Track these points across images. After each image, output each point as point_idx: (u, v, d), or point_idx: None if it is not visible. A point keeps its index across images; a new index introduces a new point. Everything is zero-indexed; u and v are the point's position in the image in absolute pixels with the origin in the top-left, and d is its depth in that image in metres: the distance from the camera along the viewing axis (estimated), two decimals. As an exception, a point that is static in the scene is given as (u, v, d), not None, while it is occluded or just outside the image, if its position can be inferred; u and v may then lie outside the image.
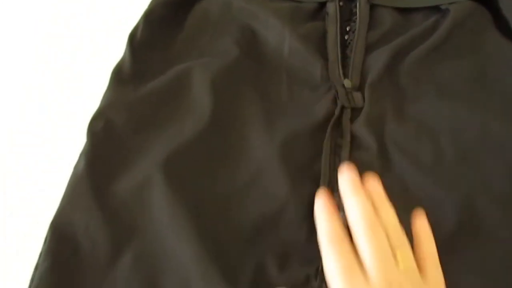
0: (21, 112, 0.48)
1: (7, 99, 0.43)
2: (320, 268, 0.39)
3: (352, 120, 0.47)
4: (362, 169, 0.44)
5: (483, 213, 0.42)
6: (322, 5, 0.53)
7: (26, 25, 0.48)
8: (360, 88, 0.48)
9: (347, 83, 0.48)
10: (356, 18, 0.52)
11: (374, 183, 0.38)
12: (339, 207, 0.37)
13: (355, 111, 0.47)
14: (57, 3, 0.57)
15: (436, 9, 0.53)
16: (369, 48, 0.51)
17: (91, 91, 0.48)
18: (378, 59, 0.49)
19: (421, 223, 0.37)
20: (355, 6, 0.52)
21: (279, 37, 0.50)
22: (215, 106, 0.46)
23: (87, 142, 0.45)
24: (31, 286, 0.39)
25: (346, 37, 0.52)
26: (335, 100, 0.47)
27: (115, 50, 0.49)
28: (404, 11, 0.53)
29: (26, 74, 0.47)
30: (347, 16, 0.52)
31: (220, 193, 0.43)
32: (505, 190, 0.43)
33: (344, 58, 0.50)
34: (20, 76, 0.47)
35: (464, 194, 0.42)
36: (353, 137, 0.46)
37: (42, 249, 0.41)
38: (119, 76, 0.48)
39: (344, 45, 0.51)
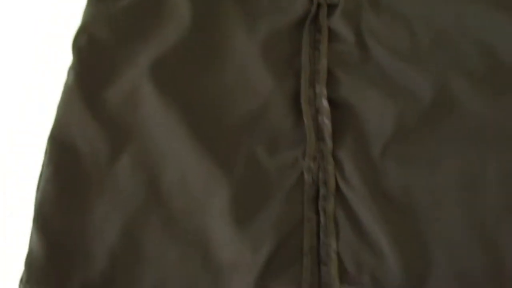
0: (21, 112, 0.47)
1: (7, 99, 0.43)
2: (307, 150, 0.42)
3: (329, 16, 0.48)
4: (341, 60, 0.46)
5: (457, 89, 0.44)
6: None
7: (26, 25, 0.47)
8: None
9: None
10: None
11: None
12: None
13: (332, 8, 0.49)
14: (57, 3, 0.57)
15: None
16: None
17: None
18: None
19: None
20: None
21: None
22: (195, 11, 0.47)
23: (73, 58, 0.46)
24: (38, 190, 0.42)
25: None
26: None
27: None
28: None
29: (26, 74, 0.46)
30: None
31: (207, 92, 0.45)
32: (478, 67, 0.45)
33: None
34: (20, 76, 0.46)
35: (439, 73, 0.45)
36: (330, 31, 0.47)
37: (44, 160, 0.43)
38: None
39: None
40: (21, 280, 0.38)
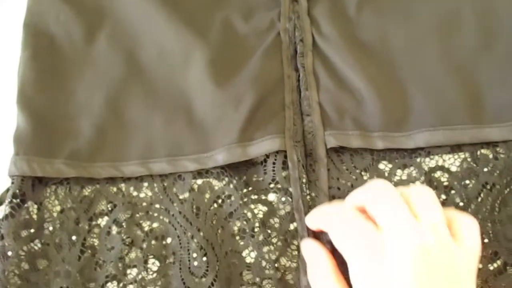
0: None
1: (7, 99, 0.43)
2: (281, 10, 0.42)
3: None
4: None
5: None
6: None
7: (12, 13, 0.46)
8: None
9: None
10: None
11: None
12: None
13: None
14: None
15: None
16: None
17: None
18: None
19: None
20: None
21: None
22: None
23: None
24: (18, 75, 0.42)
25: None
26: None
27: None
28: None
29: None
30: None
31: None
32: None
33: None
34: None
35: None
36: None
37: (21, 47, 0.43)
38: None
39: None
40: (12, 155, 0.38)
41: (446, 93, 0.39)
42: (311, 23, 0.42)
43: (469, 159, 0.37)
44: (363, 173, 0.37)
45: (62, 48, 0.43)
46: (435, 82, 0.39)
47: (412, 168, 0.37)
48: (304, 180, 0.37)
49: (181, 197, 0.37)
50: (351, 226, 0.30)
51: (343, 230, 0.31)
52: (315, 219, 0.34)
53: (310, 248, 0.34)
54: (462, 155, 0.37)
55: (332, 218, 0.32)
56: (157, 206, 0.37)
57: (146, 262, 0.35)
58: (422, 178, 0.36)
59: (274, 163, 0.37)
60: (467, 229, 0.30)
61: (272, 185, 0.37)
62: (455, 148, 0.37)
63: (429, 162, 0.37)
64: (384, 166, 0.38)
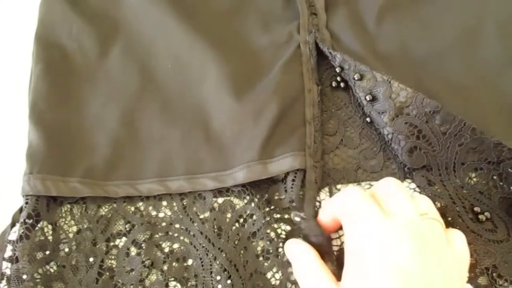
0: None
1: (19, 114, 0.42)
2: (301, 23, 0.41)
3: None
4: None
5: None
6: None
7: (25, 25, 0.45)
8: None
9: None
10: None
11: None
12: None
13: None
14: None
15: None
16: None
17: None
18: None
19: None
20: None
21: None
22: None
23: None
24: (30, 90, 0.40)
25: None
26: None
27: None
28: None
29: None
30: None
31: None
32: None
33: None
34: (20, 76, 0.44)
35: None
36: None
37: (32, 60, 0.42)
38: None
39: None
40: (25, 172, 0.37)
41: (473, 105, 0.38)
42: (331, 36, 0.41)
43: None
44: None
45: (75, 61, 0.42)
46: (460, 94, 0.39)
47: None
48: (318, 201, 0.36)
49: (201, 216, 0.36)
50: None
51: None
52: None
53: (294, 246, 0.33)
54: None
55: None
56: (177, 226, 0.36)
57: (167, 285, 0.34)
58: None
59: (293, 181, 0.36)
60: (456, 234, 0.30)
61: (294, 204, 0.36)
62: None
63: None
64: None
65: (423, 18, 0.41)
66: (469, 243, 0.32)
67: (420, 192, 0.35)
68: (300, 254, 0.32)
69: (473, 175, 0.36)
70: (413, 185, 0.36)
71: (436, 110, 0.34)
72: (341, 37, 0.41)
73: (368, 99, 0.36)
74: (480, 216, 0.34)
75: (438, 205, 0.34)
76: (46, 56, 0.41)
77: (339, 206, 0.31)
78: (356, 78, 0.37)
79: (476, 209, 0.34)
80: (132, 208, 0.37)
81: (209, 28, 0.42)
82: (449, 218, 0.33)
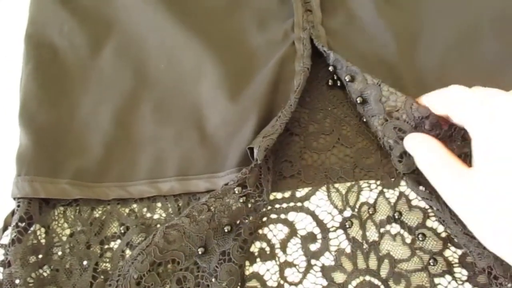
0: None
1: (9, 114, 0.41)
2: (295, 20, 0.41)
3: None
4: None
5: None
6: None
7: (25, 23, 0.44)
8: None
9: None
10: None
11: None
12: None
13: None
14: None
15: None
16: None
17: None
18: None
19: None
20: None
21: None
22: None
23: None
24: (20, 89, 0.40)
25: None
26: None
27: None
28: None
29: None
30: None
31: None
32: None
33: None
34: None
35: None
36: None
37: (23, 60, 0.41)
38: None
39: None
40: (15, 175, 0.36)
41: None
42: (326, 33, 0.40)
43: None
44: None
45: (67, 60, 0.41)
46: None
47: None
48: None
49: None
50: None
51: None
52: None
53: (414, 137, 0.32)
54: None
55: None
56: (172, 228, 0.35)
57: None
58: None
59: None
60: None
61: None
62: None
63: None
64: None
65: (420, 20, 0.41)
66: (464, 245, 0.31)
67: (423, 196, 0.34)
68: (422, 143, 0.31)
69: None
70: (411, 184, 0.35)
71: (425, 116, 0.33)
72: (337, 34, 0.40)
73: (359, 101, 0.36)
74: None
75: (430, 209, 0.34)
76: (37, 56, 0.41)
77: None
78: (347, 80, 0.36)
79: None
80: (126, 210, 0.36)
81: (203, 26, 0.41)
82: (443, 220, 0.33)
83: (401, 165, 0.34)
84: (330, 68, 0.38)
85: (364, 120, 0.37)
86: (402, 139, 0.33)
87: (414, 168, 0.33)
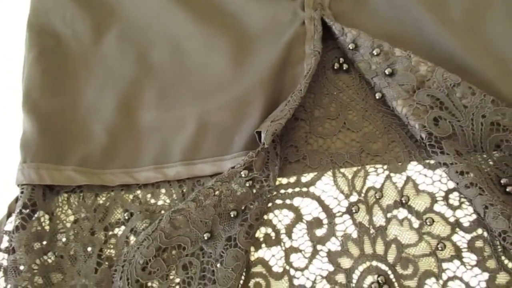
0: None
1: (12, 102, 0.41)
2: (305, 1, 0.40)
3: None
4: None
5: None
6: None
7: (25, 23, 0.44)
8: None
9: None
10: None
11: None
12: None
13: None
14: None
15: None
16: None
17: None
18: None
19: None
20: None
21: None
22: None
23: None
24: (23, 77, 0.39)
25: None
26: None
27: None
28: None
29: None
30: None
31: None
32: None
33: None
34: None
35: None
36: None
37: (25, 47, 0.41)
38: None
39: None
40: (19, 162, 0.36)
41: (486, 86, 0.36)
42: (335, 16, 0.40)
43: None
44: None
45: (70, 48, 0.40)
46: (473, 75, 0.37)
47: None
48: None
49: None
50: None
51: None
52: None
53: None
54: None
55: None
56: (177, 214, 0.35)
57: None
58: None
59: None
60: None
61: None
62: None
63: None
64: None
65: (434, 1, 0.40)
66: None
67: (448, 165, 0.34)
68: None
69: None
70: (419, 168, 0.35)
71: (456, 83, 0.34)
72: (344, 16, 0.40)
73: (387, 73, 0.36)
74: (508, 188, 0.33)
75: (467, 175, 0.33)
76: (39, 43, 0.40)
77: None
78: (375, 53, 0.36)
79: (503, 181, 0.33)
80: (130, 196, 0.36)
81: (208, 10, 0.41)
82: (479, 186, 0.32)
83: (437, 128, 0.34)
84: (351, 46, 0.38)
85: (377, 97, 0.37)
86: (436, 105, 0.34)
87: (450, 132, 0.34)
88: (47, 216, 0.35)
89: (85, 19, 0.41)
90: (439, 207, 0.34)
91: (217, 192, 0.33)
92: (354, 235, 0.34)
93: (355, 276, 0.33)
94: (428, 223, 0.33)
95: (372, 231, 0.34)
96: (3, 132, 0.42)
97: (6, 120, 0.43)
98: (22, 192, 0.35)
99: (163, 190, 0.36)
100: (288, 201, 0.35)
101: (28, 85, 0.39)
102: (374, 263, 0.33)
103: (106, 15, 0.41)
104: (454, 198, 0.34)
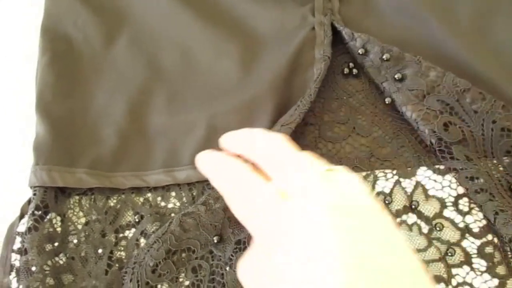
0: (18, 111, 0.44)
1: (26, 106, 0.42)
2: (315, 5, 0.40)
3: None
4: None
5: None
6: None
7: (25, 23, 0.45)
8: None
9: None
10: None
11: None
12: None
13: None
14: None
15: None
16: None
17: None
18: None
19: None
20: None
21: None
22: None
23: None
24: (36, 80, 0.40)
25: None
26: None
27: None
28: None
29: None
30: None
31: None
32: None
33: None
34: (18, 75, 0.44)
35: None
36: None
37: (39, 51, 0.41)
38: None
39: None
40: (32, 164, 0.37)
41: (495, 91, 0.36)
42: (345, 22, 0.40)
43: None
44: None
45: (81, 52, 0.41)
46: (482, 81, 0.37)
47: None
48: None
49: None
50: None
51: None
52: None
53: (211, 158, 0.28)
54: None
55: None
56: (187, 217, 0.35)
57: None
58: None
59: None
60: None
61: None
62: None
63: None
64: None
65: (441, 6, 0.40)
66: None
67: (457, 171, 0.34)
68: (219, 160, 0.27)
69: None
70: (428, 173, 0.35)
71: (466, 89, 0.34)
72: (353, 22, 0.40)
73: (397, 78, 0.36)
74: None
75: (477, 181, 0.33)
76: (52, 48, 0.41)
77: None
78: (385, 59, 0.37)
79: None
80: (141, 199, 0.36)
81: (218, 15, 0.41)
82: (490, 192, 0.32)
83: (447, 133, 0.34)
84: (360, 51, 0.38)
85: (387, 102, 0.37)
86: (446, 111, 0.35)
87: (460, 137, 0.34)
88: (59, 218, 0.36)
89: (96, 24, 0.42)
90: (449, 212, 0.34)
91: None
92: (363, 239, 0.34)
93: (364, 281, 0.33)
94: (438, 229, 0.33)
95: (381, 236, 0.34)
96: (3, 132, 0.43)
97: (6, 120, 0.43)
98: (34, 194, 0.35)
99: (173, 193, 0.36)
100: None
101: (41, 89, 0.39)
102: (383, 268, 0.33)
103: (117, 20, 0.42)
104: (464, 203, 0.34)
